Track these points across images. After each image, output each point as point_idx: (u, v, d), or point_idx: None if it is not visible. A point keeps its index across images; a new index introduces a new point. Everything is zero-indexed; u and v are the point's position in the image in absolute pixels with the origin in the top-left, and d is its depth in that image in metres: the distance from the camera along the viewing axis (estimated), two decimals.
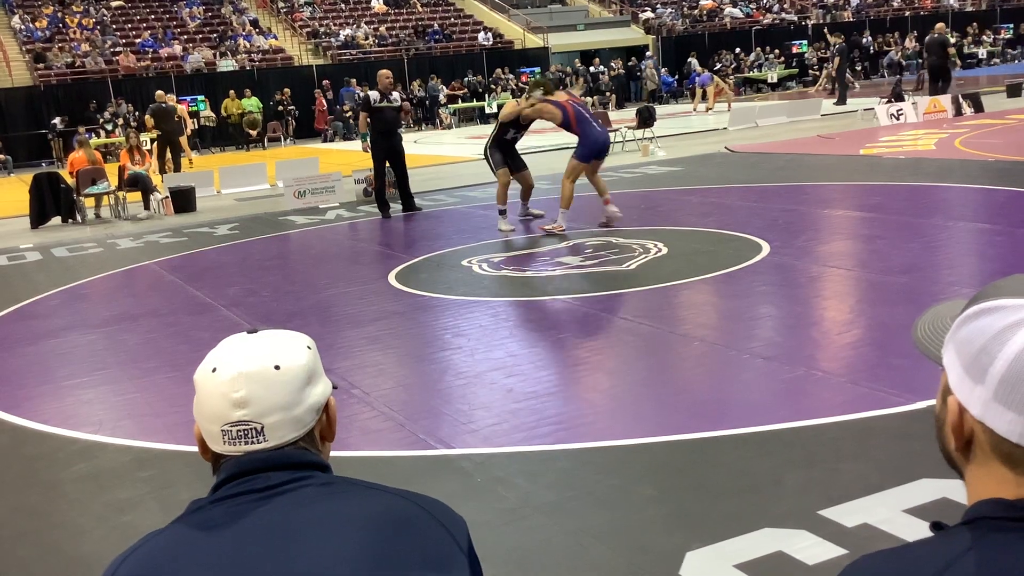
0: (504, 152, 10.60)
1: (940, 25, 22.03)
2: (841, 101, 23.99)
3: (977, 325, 0.94)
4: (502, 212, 10.35)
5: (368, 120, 12.24)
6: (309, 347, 1.34)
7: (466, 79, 31.56)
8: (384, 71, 12.55)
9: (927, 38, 22.03)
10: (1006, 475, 0.92)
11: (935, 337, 1.01)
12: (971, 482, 0.96)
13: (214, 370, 1.29)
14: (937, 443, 1.01)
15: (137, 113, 25.66)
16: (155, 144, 19.26)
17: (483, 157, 10.91)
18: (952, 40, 28.56)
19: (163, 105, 19.03)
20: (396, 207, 12.84)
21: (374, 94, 12.13)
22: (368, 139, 12.26)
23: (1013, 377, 0.89)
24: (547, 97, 10.05)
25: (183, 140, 20.74)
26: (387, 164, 12.38)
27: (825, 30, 32.06)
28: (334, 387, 1.39)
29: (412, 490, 1.31)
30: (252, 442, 1.27)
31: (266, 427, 1.27)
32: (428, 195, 13.80)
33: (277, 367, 1.28)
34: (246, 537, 1.20)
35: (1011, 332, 0.91)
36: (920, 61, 34.67)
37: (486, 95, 31.03)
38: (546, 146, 20.28)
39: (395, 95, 12.34)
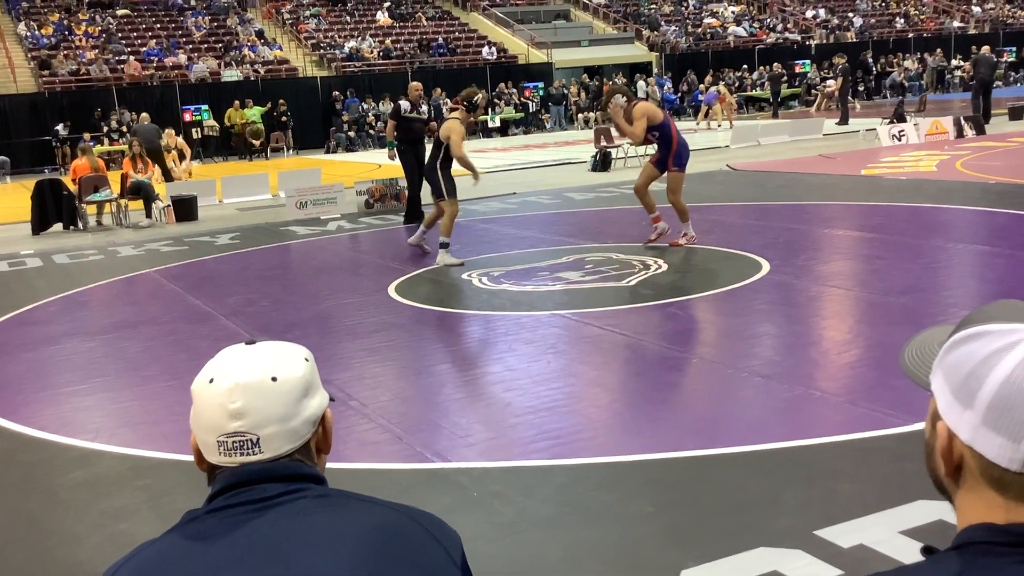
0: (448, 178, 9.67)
1: (987, 48, 23.83)
2: (843, 121, 24.08)
3: (965, 350, 0.94)
4: (446, 245, 9.41)
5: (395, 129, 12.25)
6: (307, 359, 1.34)
7: None
8: (415, 83, 12.71)
9: (974, 56, 25.09)
10: (996, 499, 0.92)
11: (923, 363, 1.02)
12: (961, 507, 0.97)
13: (211, 381, 1.29)
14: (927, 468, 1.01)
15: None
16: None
17: (431, 179, 9.82)
18: (999, 61, 31.55)
19: (146, 124, 19.18)
20: (398, 219, 12.87)
21: (405, 104, 12.20)
22: (394, 147, 12.30)
23: (1002, 402, 0.90)
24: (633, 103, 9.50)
25: (169, 157, 20.62)
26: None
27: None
28: (331, 399, 1.39)
29: (408, 503, 1.32)
30: (248, 453, 1.27)
31: (262, 439, 1.27)
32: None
33: (274, 379, 1.28)
34: (240, 548, 1.20)
35: (999, 357, 0.91)
36: (921, 83, 34.88)
37: (489, 109, 31.10)
38: (548, 161, 20.33)
39: (423, 108, 12.50)
